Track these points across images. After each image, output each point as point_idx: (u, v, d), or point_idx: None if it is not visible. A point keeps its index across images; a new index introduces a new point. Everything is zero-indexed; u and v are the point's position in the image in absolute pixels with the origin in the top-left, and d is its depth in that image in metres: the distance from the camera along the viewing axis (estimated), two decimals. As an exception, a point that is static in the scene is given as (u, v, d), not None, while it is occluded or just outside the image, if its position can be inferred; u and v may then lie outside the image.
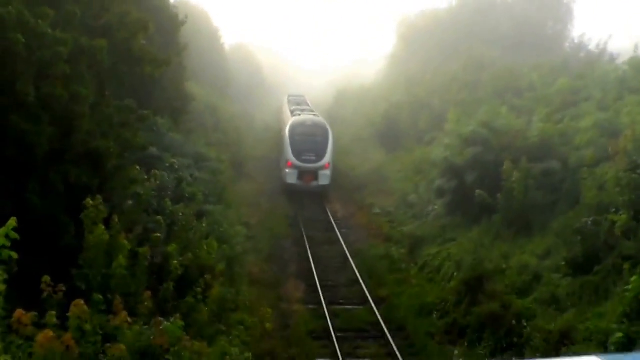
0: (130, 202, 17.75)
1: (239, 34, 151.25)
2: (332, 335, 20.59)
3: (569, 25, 64.17)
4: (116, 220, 14.17)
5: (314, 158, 39.10)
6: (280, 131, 45.85)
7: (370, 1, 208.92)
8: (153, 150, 24.21)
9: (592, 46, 49.16)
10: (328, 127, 41.59)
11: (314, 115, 46.13)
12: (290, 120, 42.69)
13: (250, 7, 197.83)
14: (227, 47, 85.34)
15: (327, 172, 39.31)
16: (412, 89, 54.21)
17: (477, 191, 26.45)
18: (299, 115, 44.70)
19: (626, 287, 14.68)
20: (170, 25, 34.69)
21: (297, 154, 39.12)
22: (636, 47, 34.45)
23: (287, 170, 39.46)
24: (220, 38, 78.98)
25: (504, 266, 21.13)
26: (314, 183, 39.24)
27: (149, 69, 20.94)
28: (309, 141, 39.83)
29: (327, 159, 39.36)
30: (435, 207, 30.93)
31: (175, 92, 34.11)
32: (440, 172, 30.94)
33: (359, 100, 70.99)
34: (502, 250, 22.88)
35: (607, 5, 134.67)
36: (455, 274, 23.05)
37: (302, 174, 39.01)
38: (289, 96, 60.07)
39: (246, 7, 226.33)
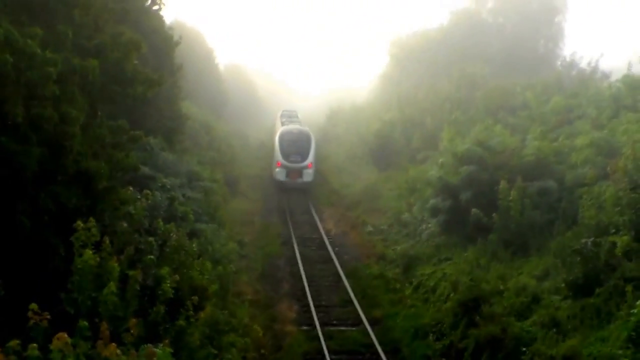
0: (122, 224, 17.20)
1: (233, 55, 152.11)
2: (325, 358, 20.01)
3: (560, 43, 64.35)
4: (107, 242, 13.67)
5: (299, 159, 47.32)
6: (272, 139, 53.75)
7: (363, 23, 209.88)
8: (145, 170, 23.86)
9: (583, 64, 48.83)
10: (311, 134, 50.10)
11: (300, 125, 54.59)
12: (280, 129, 51.55)
13: (244, 30, 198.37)
14: (221, 67, 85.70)
15: (310, 170, 47.45)
16: (405, 108, 54.19)
17: (473, 210, 26.04)
18: (288, 125, 53.66)
19: (631, 311, 14.13)
20: (165, 46, 34.70)
21: (285, 156, 47.35)
22: (629, 65, 34.27)
23: (277, 170, 47.56)
24: (214, 58, 79.43)
25: (502, 287, 20.44)
26: (299, 180, 47.12)
27: (141, 89, 20.61)
28: (295, 145, 48.04)
29: (310, 159, 47.60)
30: (430, 226, 30.35)
31: (170, 111, 33.93)
32: (435, 191, 30.38)
33: (352, 119, 70.92)
34: (499, 270, 22.26)
35: (597, 24, 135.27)
36: (451, 294, 22.28)
37: (289, 172, 47.13)
38: (282, 111, 66.33)
39: (240, 30, 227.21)
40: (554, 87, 41.32)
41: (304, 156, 47.41)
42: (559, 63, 56.11)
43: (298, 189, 47.05)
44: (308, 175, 47.18)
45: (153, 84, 21.91)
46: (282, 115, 62.11)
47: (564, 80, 44.39)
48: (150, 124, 28.48)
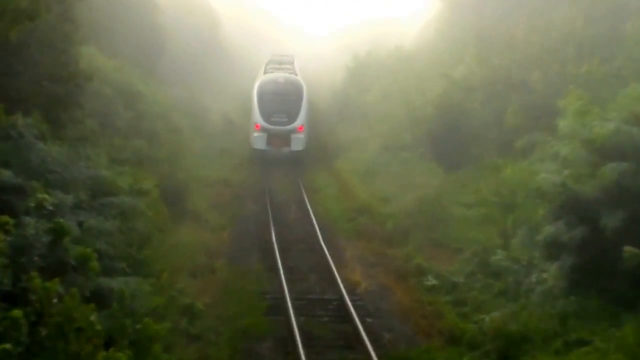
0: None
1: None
2: None
3: None
4: None
5: (285, 119, 57.95)
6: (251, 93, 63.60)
7: None
8: (7, 175, 23.65)
9: None
10: (303, 84, 60.79)
11: (288, 73, 65.49)
12: (260, 79, 62.38)
13: None
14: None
15: (301, 135, 58.02)
16: (490, 55, 53.85)
17: (627, 248, 24.84)
18: (272, 73, 64.65)
19: None
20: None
21: (266, 115, 57.95)
22: None
23: (255, 134, 58.12)
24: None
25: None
26: (286, 149, 57.74)
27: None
28: (280, 101, 58.75)
29: (301, 120, 58.05)
30: (545, 276, 29.47)
31: (56, 67, 33.57)
32: (553, 209, 29.57)
33: (393, 77, 70.55)
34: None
35: None
36: (595, 415, 21.27)
37: (271, 138, 57.68)
38: (271, 56, 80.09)
39: None
40: None
41: (293, 116, 58.40)
42: None
43: (283, 160, 55.86)
44: (298, 143, 58.33)
45: (21, 16, 21.20)
46: (269, 62, 72.85)
47: None
48: (16, 91, 28.25)
